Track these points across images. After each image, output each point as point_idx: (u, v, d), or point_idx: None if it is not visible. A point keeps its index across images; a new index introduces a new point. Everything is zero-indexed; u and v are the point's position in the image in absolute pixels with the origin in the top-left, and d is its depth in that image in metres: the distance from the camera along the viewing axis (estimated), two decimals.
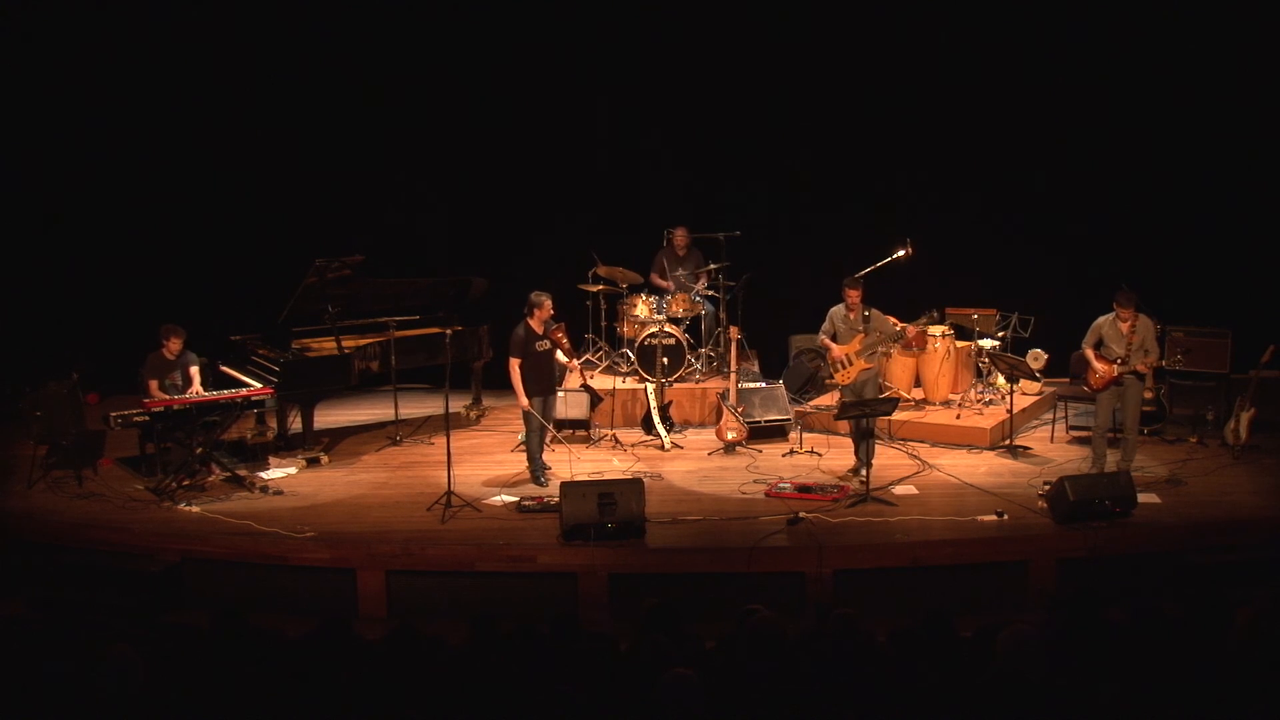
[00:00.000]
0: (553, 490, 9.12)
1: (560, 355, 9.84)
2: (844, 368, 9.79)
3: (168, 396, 9.53)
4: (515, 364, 9.56)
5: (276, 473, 10.01)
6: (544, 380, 9.74)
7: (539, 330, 9.64)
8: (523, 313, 9.62)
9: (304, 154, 12.14)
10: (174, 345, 9.72)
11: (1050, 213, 12.11)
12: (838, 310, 9.83)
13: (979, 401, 11.24)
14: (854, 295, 9.71)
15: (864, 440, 9.61)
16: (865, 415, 9.55)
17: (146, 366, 9.74)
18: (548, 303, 9.67)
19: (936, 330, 11.14)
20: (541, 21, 12.15)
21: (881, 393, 10.35)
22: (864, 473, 9.43)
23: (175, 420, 9.47)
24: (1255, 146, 11.63)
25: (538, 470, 9.84)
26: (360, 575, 8.45)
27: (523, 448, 10.08)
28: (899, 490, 9.48)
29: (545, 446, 9.94)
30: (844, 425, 10.32)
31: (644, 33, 12.16)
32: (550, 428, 9.88)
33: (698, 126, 12.35)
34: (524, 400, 9.55)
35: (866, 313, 9.72)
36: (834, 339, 9.84)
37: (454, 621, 6.90)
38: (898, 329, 9.91)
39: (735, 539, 8.56)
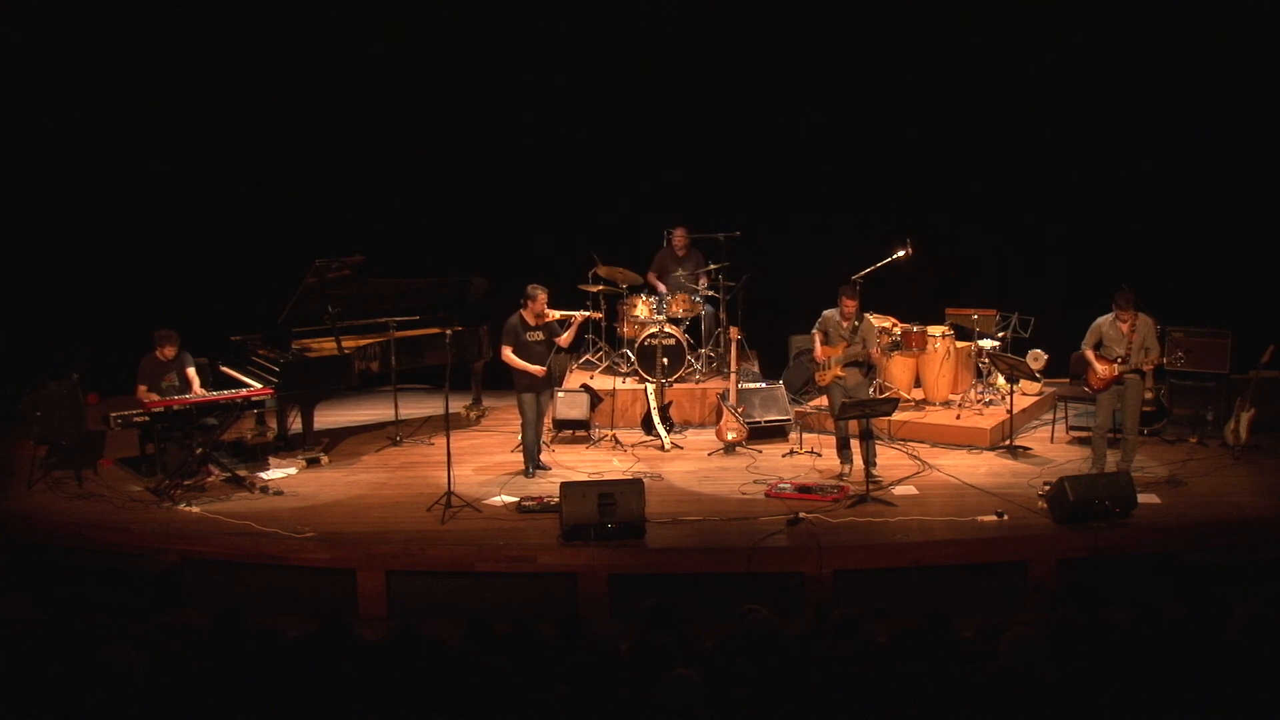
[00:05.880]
0: (553, 490, 9.12)
1: (554, 324, 9.84)
2: (824, 369, 9.82)
3: (166, 397, 9.52)
4: (507, 350, 9.65)
5: (276, 473, 10.01)
6: (536, 375, 9.75)
7: (532, 322, 9.68)
8: (518, 305, 9.71)
9: (304, 153, 12.14)
10: (169, 350, 9.69)
11: (1050, 212, 12.09)
12: (831, 315, 9.81)
13: (979, 402, 11.23)
14: (850, 305, 9.68)
15: (865, 441, 9.61)
16: (865, 415, 9.55)
17: (140, 371, 9.72)
18: (542, 296, 9.71)
19: (936, 330, 11.14)
20: (542, 22, 12.15)
21: (881, 393, 10.34)
22: (873, 471, 9.47)
23: (175, 420, 9.46)
24: (1255, 146, 11.62)
25: (531, 464, 9.85)
26: (360, 575, 8.45)
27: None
28: (899, 490, 9.47)
29: (544, 446, 9.92)
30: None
31: (644, 32, 12.16)
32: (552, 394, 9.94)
33: (698, 125, 12.34)
34: (527, 366, 9.62)
35: (858, 321, 9.70)
36: (826, 339, 9.84)
37: (454, 621, 6.88)
38: (895, 330, 9.88)
39: (735, 539, 8.55)
